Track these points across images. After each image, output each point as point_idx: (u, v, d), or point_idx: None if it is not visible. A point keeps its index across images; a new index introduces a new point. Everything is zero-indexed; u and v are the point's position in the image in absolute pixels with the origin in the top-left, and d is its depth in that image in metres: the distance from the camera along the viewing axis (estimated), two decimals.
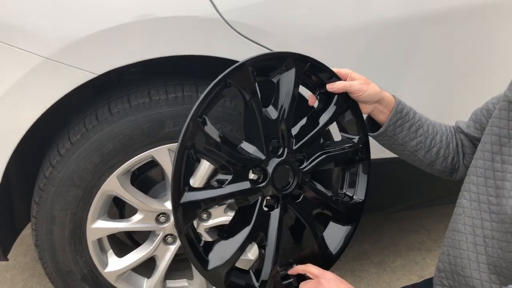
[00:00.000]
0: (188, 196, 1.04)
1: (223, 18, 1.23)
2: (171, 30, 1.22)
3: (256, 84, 1.07)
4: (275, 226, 1.16)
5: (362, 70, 1.22)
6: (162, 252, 1.47)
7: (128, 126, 1.29)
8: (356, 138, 1.25)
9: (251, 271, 1.19)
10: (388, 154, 1.48)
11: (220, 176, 1.11)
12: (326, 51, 1.38)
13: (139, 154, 1.33)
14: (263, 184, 1.11)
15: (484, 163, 1.03)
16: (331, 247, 1.28)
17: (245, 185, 1.09)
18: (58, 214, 1.33)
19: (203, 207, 1.08)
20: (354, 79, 1.16)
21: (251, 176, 1.12)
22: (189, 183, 1.06)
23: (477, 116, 1.17)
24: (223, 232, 1.16)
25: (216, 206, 1.47)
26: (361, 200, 1.30)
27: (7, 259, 1.43)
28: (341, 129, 1.27)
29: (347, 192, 1.32)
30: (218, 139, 1.06)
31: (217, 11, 1.23)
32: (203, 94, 1.01)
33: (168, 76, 1.37)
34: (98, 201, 1.35)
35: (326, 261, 1.26)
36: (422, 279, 1.26)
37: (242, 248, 1.13)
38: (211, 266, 1.09)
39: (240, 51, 1.28)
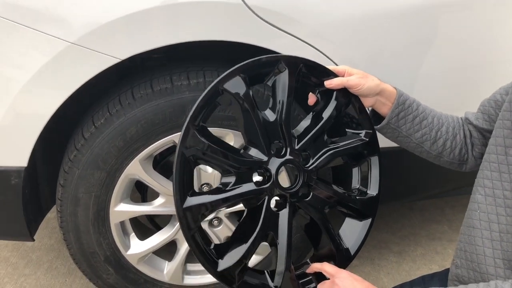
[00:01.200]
0: (191, 201, 1.06)
1: (245, 3, 1.24)
2: (194, 15, 1.23)
3: (249, 89, 1.08)
4: (285, 225, 1.17)
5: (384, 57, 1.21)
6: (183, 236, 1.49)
7: (150, 111, 1.31)
8: (362, 133, 1.24)
9: (266, 272, 1.21)
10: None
11: (225, 179, 1.13)
12: (349, 38, 1.37)
13: (161, 139, 1.34)
14: (267, 185, 1.12)
15: (497, 157, 1.01)
16: (348, 243, 1.27)
17: (249, 187, 1.11)
18: (83, 196, 1.36)
19: (207, 211, 1.09)
20: (352, 74, 1.15)
21: (257, 178, 1.13)
22: (192, 187, 1.08)
23: (485, 107, 1.15)
24: (233, 233, 1.19)
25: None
26: (375, 195, 1.29)
27: (33, 240, 1.47)
28: (346, 125, 1.26)
29: (360, 187, 1.30)
30: (217, 146, 1.08)
31: None
32: (196, 102, 1.03)
33: (190, 62, 1.38)
34: (121, 185, 1.37)
35: (344, 258, 1.25)
36: (443, 269, 1.25)
37: (251, 249, 1.14)
38: (221, 267, 1.11)
39: (263, 37, 1.28)
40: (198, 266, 1.63)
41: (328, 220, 1.24)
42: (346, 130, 1.26)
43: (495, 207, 1.01)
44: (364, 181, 1.31)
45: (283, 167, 1.17)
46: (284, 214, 1.17)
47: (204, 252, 1.10)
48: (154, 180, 1.39)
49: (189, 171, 1.09)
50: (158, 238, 1.49)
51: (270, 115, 1.13)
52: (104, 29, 1.18)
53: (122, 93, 1.33)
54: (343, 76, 1.15)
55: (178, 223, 1.39)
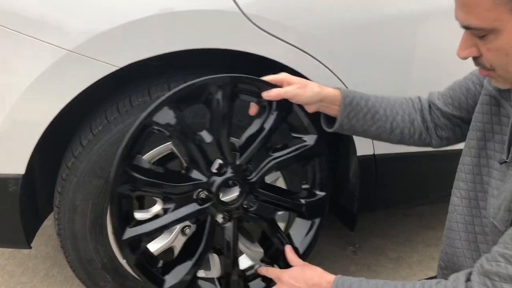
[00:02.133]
0: (130, 232, 1.20)
1: (242, 12, 1.25)
2: (191, 24, 1.24)
3: (180, 117, 1.15)
4: (230, 237, 1.28)
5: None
6: (180, 243, 1.49)
7: None
8: (306, 137, 1.29)
9: (215, 279, 1.34)
10: (403, 149, 1.48)
11: (166, 205, 1.26)
12: (347, 44, 1.39)
13: (159, 146, 1.35)
14: (208, 204, 1.22)
15: (471, 159, 1.02)
16: (297, 242, 1.36)
17: (189, 209, 1.22)
18: (80, 204, 1.37)
19: (146, 239, 1.23)
20: (291, 83, 1.15)
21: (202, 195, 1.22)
22: (132, 217, 1.23)
23: (456, 93, 1.15)
24: (180, 250, 1.32)
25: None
26: (322, 195, 1.36)
27: (30, 247, 1.47)
28: (291, 129, 1.31)
29: (310, 188, 1.38)
30: (152, 178, 1.19)
31: (237, 4, 1.24)
32: (124, 141, 1.13)
33: (188, 70, 1.39)
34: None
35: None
36: None
37: (197, 263, 1.27)
38: (167, 285, 1.25)
39: (261, 45, 1.29)
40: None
41: (275, 226, 1.34)
42: (291, 134, 1.31)
43: (471, 208, 1.02)
44: (313, 181, 1.37)
45: (224, 184, 1.23)
46: (229, 228, 1.28)
47: (150, 273, 1.25)
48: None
49: (127, 203, 1.23)
50: (155, 246, 1.48)
51: (206, 136, 1.20)
52: (102, 37, 1.19)
53: (120, 101, 1.33)
54: (281, 85, 1.16)
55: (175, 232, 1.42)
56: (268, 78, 1.16)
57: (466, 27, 0.83)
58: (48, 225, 2.14)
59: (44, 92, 1.22)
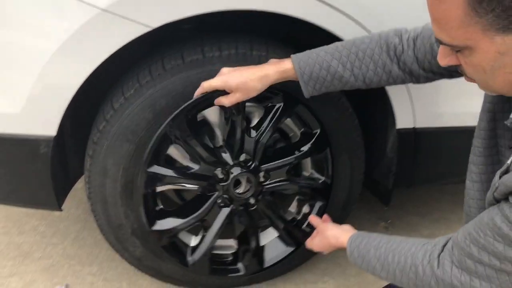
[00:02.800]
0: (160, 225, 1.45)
1: None
2: None
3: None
4: (221, 220, 1.45)
5: None
6: (213, 216, 1.47)
7: (181, 83, 1.27)
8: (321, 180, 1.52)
9: (189, 246, 1.52)
10: (446, 123, 1.41)
11: (190, 164, 1.41)
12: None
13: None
14: (222, 184, 1.40)
15: (481, 141, 0.95)
16: (266, 260, 1.58)
17: (207, 178, 1.39)
18: (111, 168, 1.35)
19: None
20: (231, 90, 1.19)
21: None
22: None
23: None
24: (180, 206, 1.55)
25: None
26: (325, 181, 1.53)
27: (61, 210, 1.47)
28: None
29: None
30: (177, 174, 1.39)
31: None
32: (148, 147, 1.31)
33: (222, 34, 1.34)
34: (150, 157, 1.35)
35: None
36: None
37: (185, 225, 1.45)
38: (155, 227, 1.44)
39: (311, 10, 1.22)
40: (225, 242, 1.61)
41: (258, 234, 1.55)
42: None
43: (483, 192, 0.95)
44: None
45: (242, 175, 1.41)
46: (224, 212, 1.45)
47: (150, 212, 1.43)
48: (190, 138, 1.35)
49: (156, 200, 1.47)
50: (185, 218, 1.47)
51: (253, 133, 1.38)
52: None
53: (152, 64, 1.29)
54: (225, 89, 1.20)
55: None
56: (207, 87, 1.21)
57: (439, 42, 0.78)
58: (79, 188, 2.15)
59: (75, 53, 1.19)
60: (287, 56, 1.21)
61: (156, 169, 1.37)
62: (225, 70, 1.20)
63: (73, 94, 1.24)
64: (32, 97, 1.23)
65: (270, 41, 1.35)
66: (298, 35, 1.40)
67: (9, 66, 1.21)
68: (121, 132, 1.31)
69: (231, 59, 1.28)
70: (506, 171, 0.80)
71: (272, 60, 1.22)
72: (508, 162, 0.81)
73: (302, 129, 1.47)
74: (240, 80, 1.16)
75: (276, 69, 1.17)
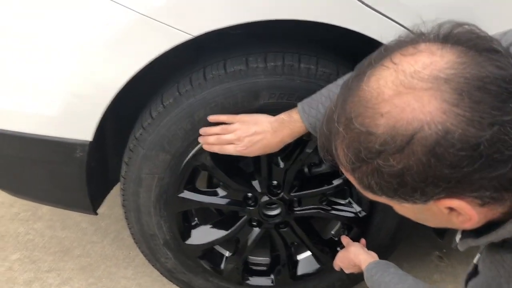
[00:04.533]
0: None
1: None
2: None
3: None
4: (252, 238, 1.42)
5: None
6: (246, 234, 1.40)
7: (221, 93, 1.20)
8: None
9: (225, 256, 1.50)
10: None
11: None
12: None
13: None
14: (249, 208, 1.37)
15: None
16: (299, 275, 1.52)
17: (237, 202, 1.37)
18: (146, 177, 1.30)
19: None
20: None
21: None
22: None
23: None
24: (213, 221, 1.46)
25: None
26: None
27: (96, 214, 1.45)
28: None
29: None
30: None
31: None
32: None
33: (268, 43, 1.25)
34: (185, 170, 1.29)
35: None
36: None
37: (218, 241, 1.43)
38: (188, 241, 1.42)
39: (361, 21, 1.11)
40: (260, 260, 1.54)
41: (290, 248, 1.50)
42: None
43: None
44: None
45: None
46: (255, 231, 1.42)
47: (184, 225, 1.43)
48: (217, 169, 1.30)
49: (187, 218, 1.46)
50: (220, 233, 1.40)
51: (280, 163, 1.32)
52: (177, 2, 1.08)
53: (194, 72, 1.23)
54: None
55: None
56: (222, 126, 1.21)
57: None
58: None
59: (114, 57, 1.14)
60: (335, 69, 1.15)
61: (186, 194, 1.34)
62: (236, 126, 1.19)
63: (110, 99, 1.19)
64: (68, 100, 1.20)
65: (320, 53, 1.25)
66: (347, 45, 1.28)
67: (48, 66, 1.18)
68: (158, 141, 1.25)
69: (277, 71, 1.18)
70: (474, 274, 0.73)
71: (282, 118, 1.17)
72: (474, 261, 0.76)
73: None
74: (259, 152, 1.20)
75: (290, 132, 1.15)
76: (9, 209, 2.05)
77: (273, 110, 1.20)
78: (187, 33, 1.09)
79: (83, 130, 1.24)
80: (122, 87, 1.17)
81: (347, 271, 1.32)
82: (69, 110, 1.21)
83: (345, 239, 1.37)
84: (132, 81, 1.17)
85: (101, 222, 2.01)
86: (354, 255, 1.26)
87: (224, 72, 1.19)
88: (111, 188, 1.58)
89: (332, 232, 1.50)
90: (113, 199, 2.12)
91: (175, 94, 1.22)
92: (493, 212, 0.62)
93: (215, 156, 1.28)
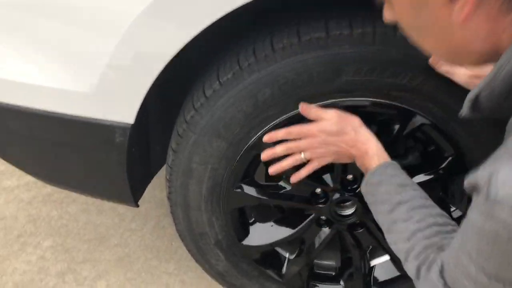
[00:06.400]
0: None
1: None
2: None
3: None
4: (320, 240, 1.20)
5: None
6: (313, 235, 1.18)
7: (293, 68, 0.95)
8: None
9: (287, 258, 1.27)
10: None
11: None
12: None
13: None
14: (321, 206, 1.13)
15: None
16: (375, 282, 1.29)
17: (303, 199, 1.14)
18: (197, 167, 1.09)
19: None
20: None
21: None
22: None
23: None
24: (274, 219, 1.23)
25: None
26: None
27: (137, 206, 1.25)
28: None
29: None
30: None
31: None
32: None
33: (354, 4, 0.99)
34: (244, 160, 1.07)
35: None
36: None
37: (280, 242, 1.21)
38: (245, 242, 1.21)
39: None
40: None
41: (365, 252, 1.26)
42: None
43: None
44: None
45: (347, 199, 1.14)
46: (324, 232, 1.20)
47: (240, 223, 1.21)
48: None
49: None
50: (280, 233, 1.19)
51: None
52: None
53: (258, 42, 0.99)
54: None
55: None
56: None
57: None
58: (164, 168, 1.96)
59: (161, 21, 0.91)
60: None
61: (244, 189, 1.12)
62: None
63: (156, 76, 0.97)
64: (106, 75, 0.98)
65: None
66: None
67: (81, 34, 0.96)
68: (212, 125, 1.03)
69: (365, 39, 0.93)
70: None
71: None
72: None
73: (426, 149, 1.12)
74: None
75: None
76: (42, 190, 1.89)
77: (356, 89, 0.96)
78: None
79: (124, 111, 1.03)
80: (170, 60, 0.94)
81: (324, 156, 0.97)
82: (106, 86, 0.99)
83: (304, 107, 0.98)
84: (183, 51, 0.95)
85: (140, 207, 1.80)
86: (364, 139, 0.92)
87: (297, 41, 0.95)
88: (153, 176, 1.38)
89: None
90: (154, 181, 1.94)
91: (234, 68, 0.99)
92: (495, 33, 0.57)
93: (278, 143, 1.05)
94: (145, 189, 1.30)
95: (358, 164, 0.94)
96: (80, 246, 1.66)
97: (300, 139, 0.96)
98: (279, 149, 0.97)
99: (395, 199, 0.83)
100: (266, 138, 0.98)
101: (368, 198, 0.91)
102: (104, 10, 0.93)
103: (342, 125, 0.92)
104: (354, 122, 0.93)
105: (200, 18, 0.88)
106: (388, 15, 0.70)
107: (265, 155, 0.99)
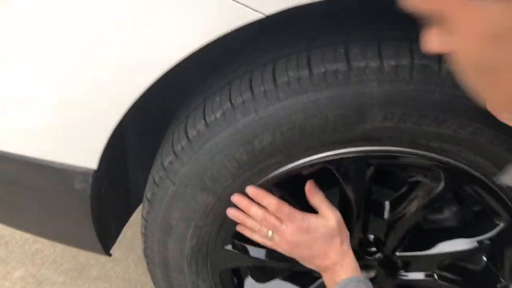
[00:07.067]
0: None
1: None
2: None
3: None
4: None
5: None
6: None
7: (301, 109, 0.72)
8: None
9: None
10: None
11: None
12: None
13: (309, 156, 0.76)
14: None
15: None
16: None
17: None
18: (177, 224, 0.86)
19: None
20: None
21: None
22: None
23: None
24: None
25: None
26: None
27: (109, 255, 1.04)
28: None
29: None
30: None
31: None
32: None
33: (381, 24, 0.74)
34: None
35: None
36: None
37: None
38: None
39: None
40: None
41: None
42: None
43: None
44: None
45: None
46: None
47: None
48: None
49: None
50: None
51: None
52: None
53: (256, 72, 0.75)
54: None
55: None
56: None
57: None
58: None
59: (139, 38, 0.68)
60: None
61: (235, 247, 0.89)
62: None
63: (125, 110, 0.75)
64: (63, 114, 0.76)
65: None
66: None
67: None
68: (196, 175, 0.80)
69: (400, 75, 0.69)
70: None
71: None
72: None
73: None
74: None
75: None
76: None
77: (385, 137, 0.73)
78: (257, 11, 0.61)
79: (83, 154, 0.80)
80: (145, 91, 0.71)
81: (295, 257, 0.84)
82: (59, 123, 0.77)
83: (311, 188, 0.83)
84: (160, 83, 0.72)
85: (126, 231, 1.60)
86: (346, 252, 0.81)
87: (307, 73, 0.71)
88: (133, 212, 1.16)
89: None
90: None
91: (225, 104, 0.75)
92: None
93: (280, 195, 0.82)
94: (119, 233, 1.08)
95: (325, 279, 0.82)
96: (55, 278, 1.46)
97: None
98: (248, 218, 0.83)
99: None
100: (235, 198, 0.81)
101: None
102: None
103: (336, 233, 0.80)
104: (346, 235, 0.82)
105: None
106: (438, 42, 0.47)
107: (231, 212, 0.82)
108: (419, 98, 0.69)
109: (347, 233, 0.82)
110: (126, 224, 1.56)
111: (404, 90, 0.69)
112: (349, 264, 0.80)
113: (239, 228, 0.86)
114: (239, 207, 0.82)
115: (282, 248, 0.83)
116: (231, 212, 0.82)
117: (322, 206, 0.81)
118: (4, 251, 1.54)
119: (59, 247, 1.55)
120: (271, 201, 0.80)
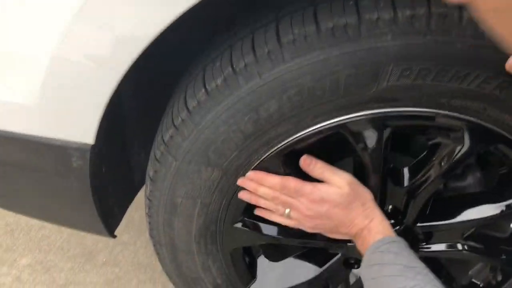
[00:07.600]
0: None
1: None
2: None
3: None
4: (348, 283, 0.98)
5: None
6: (339, 278, 0.91)
7: (309, 70, 0.66)
8: None
9: None
10: None
11: None
12: None
13: (320, 123, 0.71)
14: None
15: None
16: None
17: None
18: (182, 202, 0.81)
19: None
20: None
21: None
22: None
23: None
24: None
25: None
26: None
27: (114, 236, 0.99)
28: None
29: None
30: None
31: None
32: None
33: None
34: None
35: None
36: None
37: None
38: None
39: None
40: None
41: None
42: None
43: None
44: None
45: None
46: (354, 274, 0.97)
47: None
48: None
49: None
50: (296, 276, 0.92)
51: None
52: None
53: (258, 31, 0.68)
54: None
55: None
56: None
57: None
58: None
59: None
60: None
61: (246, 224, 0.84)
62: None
63: (120, 77, 0.69)
64: (50, 84, 0.70)
65: None
66: None
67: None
68: (198, 149, 0.75)
69: (415, 25, 0.62)
70: None
71: None
72: None
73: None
74: None
75: None
76: None
77: (402, 98, 0.67)
78: None
79: (81, 128, 0.75)
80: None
81: (310, 230, 0.79)
82: (53, 96, 0.71)
83: (306, 161, 0.76)
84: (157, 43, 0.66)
85: (134, 214, 1.57)
86: (371, 215, 0.75)
87: (315, 30, 0.64)
88: (138, 191, 1.11)
89: (471, 273, 0.97)
90: None
91: (226, 70, 0.69)
92: None
93: (291, 167, 0.77)
94: (124, 212, 1.04)
95: (357, 245, 0.77)
96: (62, 264, 1.43)
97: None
98: (261, 198, 0.79)
99: (401, 283, 0.67)
100: (239, 182, 0.77)
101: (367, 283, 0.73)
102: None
103: (352, 198, 0.75)
104: (366, 196, 0.76)
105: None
106: None
107: (243, 195, 0.79)
108: (438, 51, 0.63)
109: (367, 192, 0.76)
110: (133, 207, 1.52)
111: (422, 43, 0.62)
112: (377, 227, 0.75)
113: (257, 212, 0.82)
114: (248, 189, 0.77)
115: (304, 225, 0.78)
116: (243, 195, 0.78)
117: (327, 174, 0.75)
118: (10, 238, 1.51)
119: (66, 233, 1.52)
120: (273, 181, 0.75)
